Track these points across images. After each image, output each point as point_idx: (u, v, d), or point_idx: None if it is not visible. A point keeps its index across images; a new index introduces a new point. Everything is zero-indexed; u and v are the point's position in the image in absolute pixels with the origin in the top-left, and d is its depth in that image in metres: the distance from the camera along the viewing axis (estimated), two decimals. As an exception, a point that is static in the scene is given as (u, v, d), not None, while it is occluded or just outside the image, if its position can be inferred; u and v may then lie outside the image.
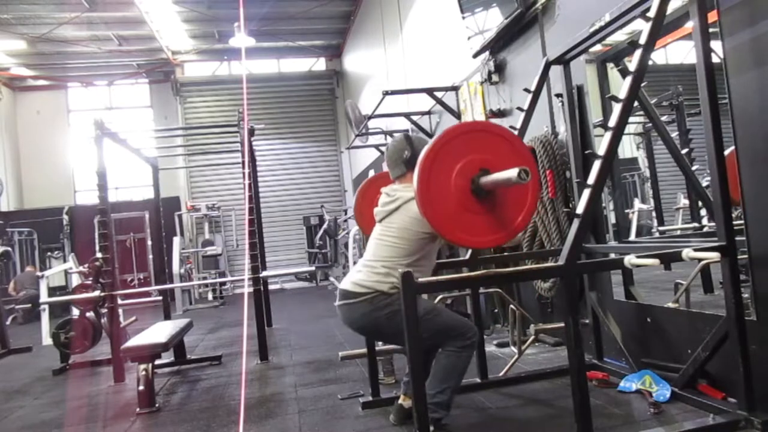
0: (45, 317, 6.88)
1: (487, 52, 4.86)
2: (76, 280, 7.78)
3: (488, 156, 2.28)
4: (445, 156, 2.26)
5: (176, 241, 9.50)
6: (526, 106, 3.34)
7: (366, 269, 2.64)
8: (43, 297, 6.90)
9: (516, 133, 3.29)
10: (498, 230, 2.35)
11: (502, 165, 2.24)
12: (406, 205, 2.58)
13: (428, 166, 2.24)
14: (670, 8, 2.41)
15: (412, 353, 2.12)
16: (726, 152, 2.37)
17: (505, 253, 4.43)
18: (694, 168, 3.22)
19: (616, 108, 2.35)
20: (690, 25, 2.43)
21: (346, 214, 11.77)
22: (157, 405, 3.53)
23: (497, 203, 2.34)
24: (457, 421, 2.75)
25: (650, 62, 2.41)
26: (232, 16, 10.61)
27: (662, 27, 2.39)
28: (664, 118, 3.46)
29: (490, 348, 4.09)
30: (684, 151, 3.29)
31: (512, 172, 2.06)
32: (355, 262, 8.05)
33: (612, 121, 2.34)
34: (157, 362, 3.93)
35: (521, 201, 2.38)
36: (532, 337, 3.62)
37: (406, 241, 2.57)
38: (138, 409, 3.48)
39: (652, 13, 2.37)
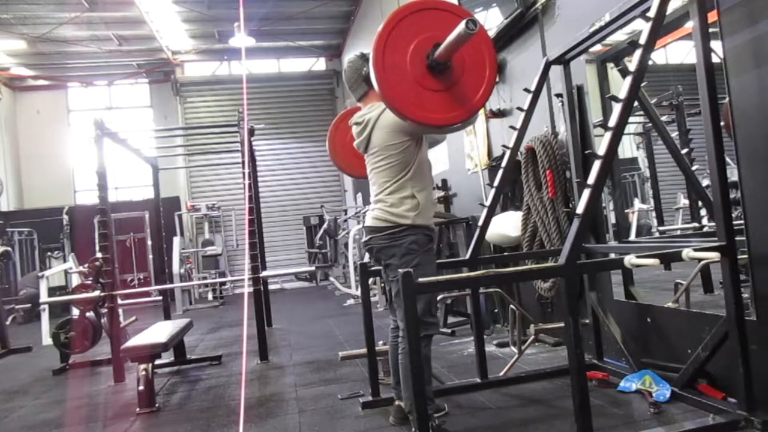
0: (45, 317, 6.86)
1: (487, 52, 4.85)
2: (76, 280, 7.77)
3: (441, 33, 2.26)
4: (398, 36, 2.27)
5: (176, 241, 9.49)
6: (526, 106, 3.34)
7: (379, 205, 2.64)
8: (43, 297, 6.89)
9: (516, 133, 3.32)
10: (457, 107, 2.37)
11: None
12: (377, 122, 2.59)
13: (382, 47, 2.24)
14: (670, 8, 2.41)
15: (412, 353, 2.12)
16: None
17: (505, 253, 4.44)
18: (694, 168, 3.22)
19: (616, 108, 2.35)
20: (690, 25, 2.43)
21: (346, 214, 11.77)
22: (157, 405, 3.54)
23: (455, 81, 2.35)
24: (457, 421, 2.75)
25: (650, 62, 2.41)
26: (232, 16, 10.62)
27: (662, 27, 2.39)
28: (664, 118, 3.46)
29: (490, 348, 4.08)
30: (684, 151, 3.29)
31: (460, 26, 2.07)
32: (355, 263, 8.08)
33: (612, 121, 2.34)
34: (157, 362, 3.93)
35: (479, 77, 2.39)
36: (532, 337, 3.62)
37: (394, 156, 2.57)
38: (138, 409, 3.48)
39: (652, 13, 2.37)
